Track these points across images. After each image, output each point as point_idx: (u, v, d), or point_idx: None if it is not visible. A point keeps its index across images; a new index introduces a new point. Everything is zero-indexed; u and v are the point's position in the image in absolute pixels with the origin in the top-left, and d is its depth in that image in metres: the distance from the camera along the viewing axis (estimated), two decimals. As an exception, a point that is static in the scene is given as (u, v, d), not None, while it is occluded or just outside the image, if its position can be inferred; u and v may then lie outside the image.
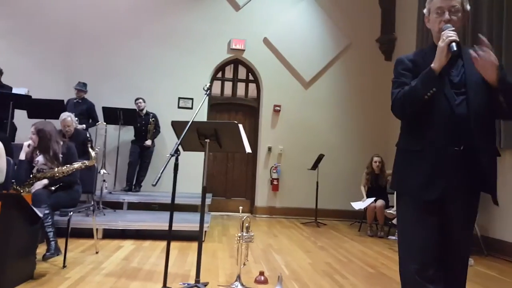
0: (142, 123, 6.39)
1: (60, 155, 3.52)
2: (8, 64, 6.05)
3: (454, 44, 1.56)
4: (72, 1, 6.85)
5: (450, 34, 1.59)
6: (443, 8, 1.69)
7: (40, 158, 3.51)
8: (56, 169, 3.45)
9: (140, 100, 6.46)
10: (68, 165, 3.50)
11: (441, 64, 1.60)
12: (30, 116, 5.76)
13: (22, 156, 3.50)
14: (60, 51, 6.77)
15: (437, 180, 1.61)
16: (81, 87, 6.22)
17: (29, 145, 3.54)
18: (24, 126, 5.88)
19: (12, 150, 4.69)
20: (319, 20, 7.38)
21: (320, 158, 6.36)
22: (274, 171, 7.03)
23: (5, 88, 5.66)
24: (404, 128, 1.81)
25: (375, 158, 5.93)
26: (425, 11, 1.81)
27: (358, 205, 5.77)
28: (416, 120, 1.69)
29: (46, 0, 6.80)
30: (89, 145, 4.05)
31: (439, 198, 1.61)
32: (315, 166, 6.40)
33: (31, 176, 3.44)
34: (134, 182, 6.38)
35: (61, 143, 3.61)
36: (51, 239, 3.13)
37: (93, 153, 3.75)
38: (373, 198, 5.66)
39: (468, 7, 1.73)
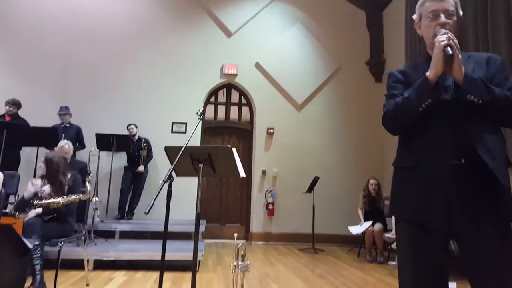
0: (134, 149, 6.33)
1: (66, 187, 3.53)
2: (3, 93, 6.05)
3: (449, 48, 1.42)
4: (65, 28, 6.90)
5: (442, 38, 1.45)
6: (438, 11, 1.56)
7: (46, 188, 3.51)
8: (52, 199, 3.41)
9: (132, 126, 6.42)
10: (64, 197, 3.46)
11: (437, 73, 1.46)
12: (24, 144, 5.74)
13: (26, 194, 3.44)
14: (53, 78, 6.76)
15: (431, 200, 1.41)
16: (66, 112, 6.16)
17: (32, 183, 3.53)
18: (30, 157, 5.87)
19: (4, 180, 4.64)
20: (309, 45, 7.49)
21: (315, 180, 6.31)
22: (269, 195, 6.95)
23: (20, 120, 5.75)
24: (399, 144, 1.65)
25: (371, 181, 5.87)
26: (415, 17, 1.68)
27: (355, 230, 5.67)
28: (410, 133, 1.54)
29: (38, 28, 6.83)
30: (87, 179, 4.04)
31: (436, 222, 1.41)
32: (310, 189, 6.33)
33: (32, 203, 3.42)
34: (126, 210, 6.26)
35: (69, 175, 3.64)
36: (37, 272, 3.03)
37: (89, 187, 3.72)
38: (371, 222, 5.57)
39: (461, 12, 1.62)
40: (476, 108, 1.42)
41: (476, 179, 1.39)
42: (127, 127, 6.42)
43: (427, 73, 1.47)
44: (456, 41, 1.45)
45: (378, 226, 5.44)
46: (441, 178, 1.42)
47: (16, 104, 5.90)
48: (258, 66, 7.30)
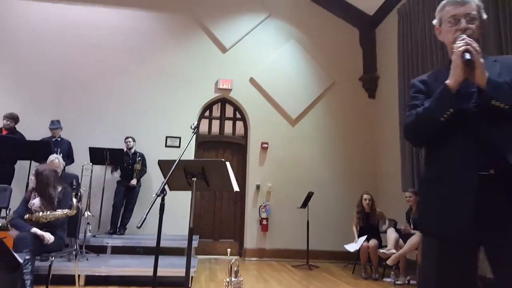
0: (129, 162, 6.30)
1: (56, 200, 3.54)
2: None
3: (467, 54, 1.36)
4: (61, 43, 6.93)
5: (460, 43, 1.39)
6: (458, 16, 1.50)
7: (36, 201, 3.52)
8: (40, 214, 3.41)
9: (130, 139, 6.43)
10: (50, 211, 3.44)
11: (457, 80, 1.39)
12: (16, 158, 5.71)
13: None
14: (48, 92, 6.75)
15: (460, 215, 1.35)
16: (57, 126, 6.13)
17: None
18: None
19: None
20: (303, 61, 7.58)
21: (309, 196, 6.29)
22: (263, 210, 6.91)
23: (17, 135, 5.77)
24: (425, 156, 1.59)
25: (365, 196, 5.82)
26: (435, 22, 1.62)
27: (352, 247, 5.60)
28: (433, 145, 1.49)
29: (34, 43, 6.86)
30: (74, 193, 4.01)
31: (463, 235, 1.35)
32: (305, 204, 6.31)
33: (25, 217, 3.42)
34: (118, 225, 6.19)
35: (59, 188, 3.64)
36: (27, 287, 2.96)
37: (75, 202, 3.69)
38: (365, 237, 5.54)
39: (485, 16, 1.54)
40: (502, 114, 1.36)
41: (504, 188, 1.33)
42: (125, 139, 6.42)
43: (447, 81, 1.41)
44: (475, 45, 1.39)
45: (373, 242, 5.40)
46: (466, 190, 1.36)
47: (13, 118, 5.90)
48: (252, 81, 7.36)
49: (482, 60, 1.38)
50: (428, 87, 1.55)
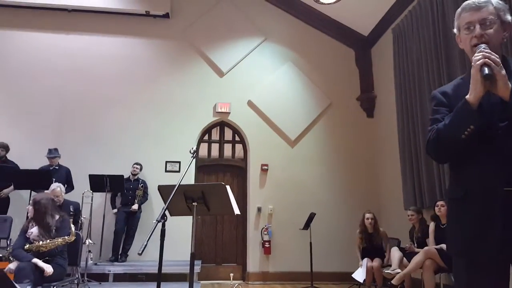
0: (130, 187, 6.29)
1: (53, 228, 3.52)
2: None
3: (485, 68, 1.29)
4: (58, 73, 7.03)
5: (478, 56, 1.33)
6: (473, 22, 1.43)
7: (34, 230, 3.51)
8: (40, 242, 3.39)
9: (137, 166, 6.49)
10: (50, 240, 3.43)
11: (478, 95, 1.31)
12: (16, 187, 5.71)
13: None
14: (47, 122, 6.81)
15: (488, 232, 1.30)
16: (54, 154, 6.15)
17: None
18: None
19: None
20: (300, 82, 7.66)
21: (311, 217, 6.24)
22: (265, 232, 6.85)
23: (9, 163, 5.77)
24: (450, 172, 1.53)
25: (367, 215, 5.60)
26: (455, 30, 1.55)
27: (360, 275, 5.33)
28: (457, 161, 1.43)
29: (32, 73, 6.96)
30: (72, 220, 4.02)
31: (494, 254, 1.29)
32: (307, 226, 6.25)
33: (25, 247, 3.40)
34: (120, 252, 6.12)
35: (57, 217, 3.64)
36: (27, 320, 2.92)
37: (73, 228, 3.68)
38: (366, 259, 5.36)
39: (509, 18, 1.46)
40: None
41: None
42: (133, 165, 6.48)
43: (467, 96, 1.33)
44: (494, 56, 1.32)
45: (376, 261, 5.29)
46: (494, 208, 1.31)
47: (3, 147, 5.91)
48: (250, 103, 7.43)
49: (503, 72, 1.31)
50: (450, 100, 1.49)
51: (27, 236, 3.49)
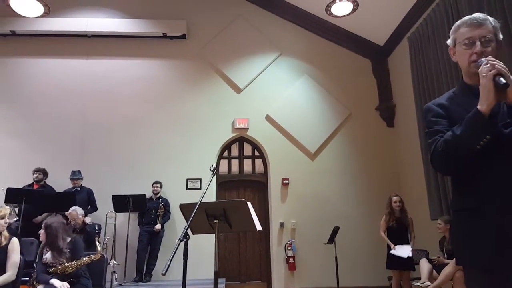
0: (152, 206, 6.35)
1: (67, 250, 3.53)
2: (23, 162, 6.33)
3: (501, 78, 1.30)
4: (80, 96, 7.24)
5: (487, 67, 1.34)
6: (474, 38, 1.45)
7: (48, 255, 3.52)
8: (66, 263, 3.43)
9: (158, 185, 6.55)
10: (76, 260, 3.46)
11: (490, 105, 1.31)
12: (41, 211, 5.83)
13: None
14: (71, 145, 6.99)
15: (507, 242, 1.28)
16: (77, 176, 6.31)
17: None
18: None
19: (21, 247, 4.68)
20: (317, 94, 7.64)
21: (335, 230, 6.11)
22: (289, 248, 6.75)
23: (47, 188, 5.98)
24: (453, 184, 1.51)
25: (394, 198, 5.30)
26: (449, 42, 1.58)
27: (403, 252, 4.98)
28: (466, 171, 1.41)
29: (55, 98, 7.18)
30: (97, 239, 4.04)
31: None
32: (331, 240, 6.12)
33: (50, 270, 3.43)
34: (144, 272, 6.14)
35: (68, 239, 3.64)
36: None
37: (99, 247, 3.71)
38: (410, 247, 5.04)
39: (501, 36, 1.50)
40: None
41: None
42: (153, 184, 6.56)
43: (479, 107, 1.33)
44: (501, 64, 1.34)
45: (406, 273, 5.12)
46: (508, 217, 1.29)
47: (41, 171, 6.18)
48: (268, 118, 7.43)
49: None
50: (448, 111, 1.49)
51: (43, 262, 3.50)
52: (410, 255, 4.98)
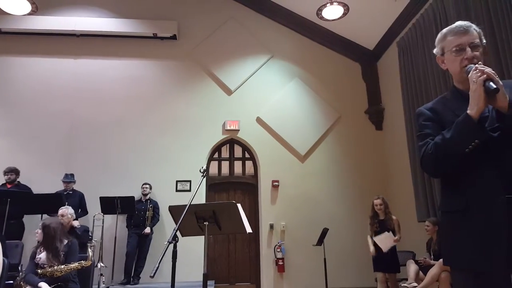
0: (141, 208, 6.29)
1: (62, 253, 3.49)
2: (9, 163, 6.21)
3: (491, 82, 1.34)
4: (68, 97, 7.14)
5: (477, 73, 1.37)
6: (463, 45, 1.49)
7: (42, 255, 3.47)
8: (55, 267, 3.38)
9: (147, 186, 6.49)
10: (66, 264, 3.42)
11: (480, 110, 1.35)
12: (27, 212, 5.74)
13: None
14: (59, 145, 6.89)
15: (495, 246, 1.30)
16: (70, 179, 6.22)
17: None
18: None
19: (5, 250, 4.61)
20: (308, 97, 7.68)
21: (324, 232, 6.14)
22: (278, 250, 6.76)
23: (21, 187, 5.83)
24: (442, 186, 1.55)
25: (376, 201, 5.18)
26: (436, 51, 1.62)
27: (383, 242, 4.94)
28: (453, 174, 1.45)
29: (42, 98, 7.08)
30: (89, 245, 4.01)
31: (500, 265, 1.29)
32: (320, 242, 6.15)
33: (39, 272, 3.39)
34: (132, 274, 6.08)
35: (65, 241, 3.60)
36: None
37: (91, 253, 3.67)
38: (389, 233, 4.96)
39: (485, 41, 1.55)
40: None
41: None
42: (142, 185, 6.48)
43: (469, 111, 1.37)
44: (489, 69, 1.38)
45: (392, 275, 5.04)
46: (496, 218, 1.32)
47: (12, 171, 5.97)
48: (259, 120, 7.45)
49: (501, 82, 1.38)
50: (439, 115, 1.53)
51: (36, 261, 3.46)
52: (391, 244, 4.89)
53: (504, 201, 1.31)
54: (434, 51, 1.64)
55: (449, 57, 1.55)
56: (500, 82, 1.37)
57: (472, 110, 1.37)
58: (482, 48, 1.52)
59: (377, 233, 5.09)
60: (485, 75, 1.36)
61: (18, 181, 6.04)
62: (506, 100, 1.35)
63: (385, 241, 4.98)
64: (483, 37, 1.56)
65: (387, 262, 5.04)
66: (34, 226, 5.97)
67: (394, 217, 5.18)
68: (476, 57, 1.48)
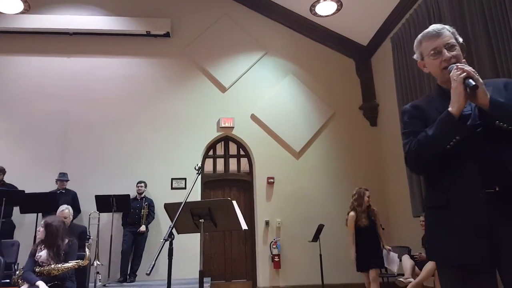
0: (136, 206, 6.28)
1: (62, 252, 3.50)
2: (2, 162, 6.13)
3: (470, 80, 1.38)
4: (61, 95, 7.09)
5: (457, 72, 1.42)
6: (439, 48, 1.54)
7: (43, 253, 3.48)
8: (52, 265, 3.38)
9: (142, 184, 6.49)
10: (62, 264, 3.42)
11: (461, 107, 1.40)
12: (22, 211, 5.71)
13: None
14: (52, 144, 6.85)
15: (473, 238, 1.33)
16: (64, 178, 6.20)
17: None
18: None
19: (1, 248, 4.61)
20: (302, 94, 7.69)
21: (320, 228, 6.16)
22: (274, 246, 6.78)
23: (7, 186, 5.78)
24: (426, 182, 1.59)
25: (367, 193, 4.92)
26: (415, 56, 1.67)
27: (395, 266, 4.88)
28: (435, 170, 1.48)
29: (35, 97, 7.03)
30: (87, 244, 4.02)
31: (484, 260, 1.32)
32: (316, 238, 6.17)
33: (36, 270, 3.39)
34: (128, 272, 6.08)
35: (67, 240, 3.61)
36: None
37: (88, 253, 3.67)
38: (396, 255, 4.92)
39: (461, 39, 1.59)
40: (504, 132, 1.36)
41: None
42: (137, 184, 6.47)
43: (450, 109, 1.41)
44: (469, 68, 1.42)
45: (373, 272, 4.72)
46: (477, 212, 1.34)
47: (1, 170, 5.90)
48: (254, 117, 7.44)
49: (481, 80, 1.41)
50: (424, 113, 1.56)
51: (36, 259, 3.47)
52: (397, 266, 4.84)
53: (484, 196, 1.34)
54: (414, 56, 1.68)
55: (428, 61, 1.60)
56: (480, 80, 1.40)
57: (453, 107, 1.41)
58: (459, 46, 1.56)
59: (365, 229, 4.77)
60: (465, 73, 1.40)
61: (4, 180, 5.97)
62: (487, 98, 1.38)
63: (391, 260, 4.97)
64: (458, 36, 1.60)
65: (371, 261, 4.78)
66: (23, 225, 5.97)
67: (373, 208, 4.98)
68: (454, 56, 1.52)
